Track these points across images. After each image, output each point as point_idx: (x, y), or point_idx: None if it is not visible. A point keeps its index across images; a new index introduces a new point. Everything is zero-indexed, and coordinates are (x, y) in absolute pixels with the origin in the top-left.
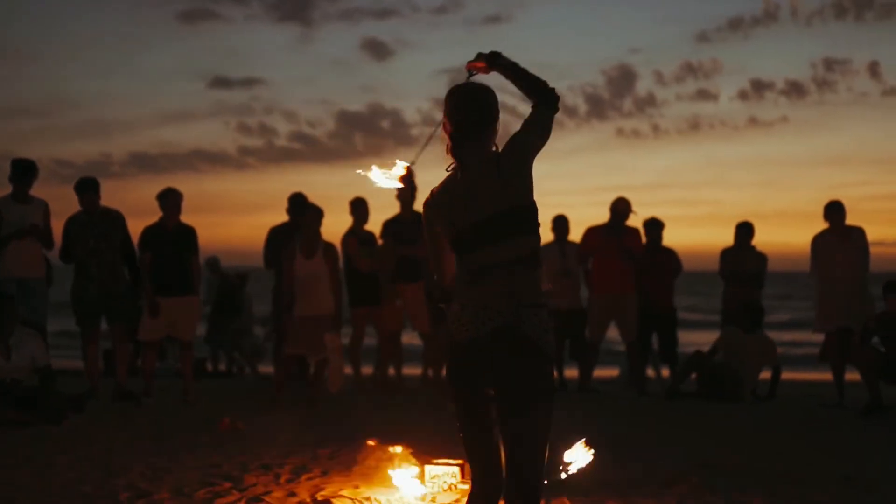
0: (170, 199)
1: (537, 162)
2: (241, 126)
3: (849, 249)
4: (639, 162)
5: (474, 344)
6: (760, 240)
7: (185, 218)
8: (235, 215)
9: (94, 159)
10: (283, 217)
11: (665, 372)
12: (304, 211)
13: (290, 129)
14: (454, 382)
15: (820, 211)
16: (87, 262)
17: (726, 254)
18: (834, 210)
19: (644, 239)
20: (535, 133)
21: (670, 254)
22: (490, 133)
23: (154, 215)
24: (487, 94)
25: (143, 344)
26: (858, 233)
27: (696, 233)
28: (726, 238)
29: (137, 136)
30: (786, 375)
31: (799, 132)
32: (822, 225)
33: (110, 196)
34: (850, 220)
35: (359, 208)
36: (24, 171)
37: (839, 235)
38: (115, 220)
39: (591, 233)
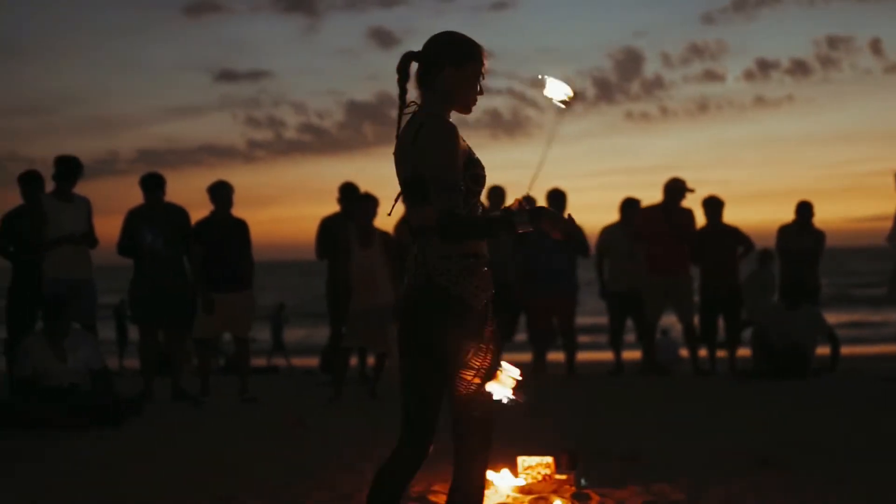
0: (221, 192)
1: (542, 147)
2: (249, 119)
3: None
4: (648, 144)
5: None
6: (767, 218)
7: (195, 213)
8: (247, 209)
9: (101, 156)
10: (292, 209)
11: (721, 352)
12: (355, 200)
13: (299, 120)
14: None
15: (827, 188)
16: (144, 259)
17: (784, 231)
18: None
19: (705, 219)
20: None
21: (733, 232)
22: (428, 86)
23: None
24: (430, 43)
25: (198, 342)
26: None
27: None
28: (733, 217)
29: (144, 131)
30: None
31: (804, 110)
32: (828, 203)
33: (117, 193)
34: (856, 194)
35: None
36: (68, 168)
37: None
38: (177, 217)
39: (644, 213)
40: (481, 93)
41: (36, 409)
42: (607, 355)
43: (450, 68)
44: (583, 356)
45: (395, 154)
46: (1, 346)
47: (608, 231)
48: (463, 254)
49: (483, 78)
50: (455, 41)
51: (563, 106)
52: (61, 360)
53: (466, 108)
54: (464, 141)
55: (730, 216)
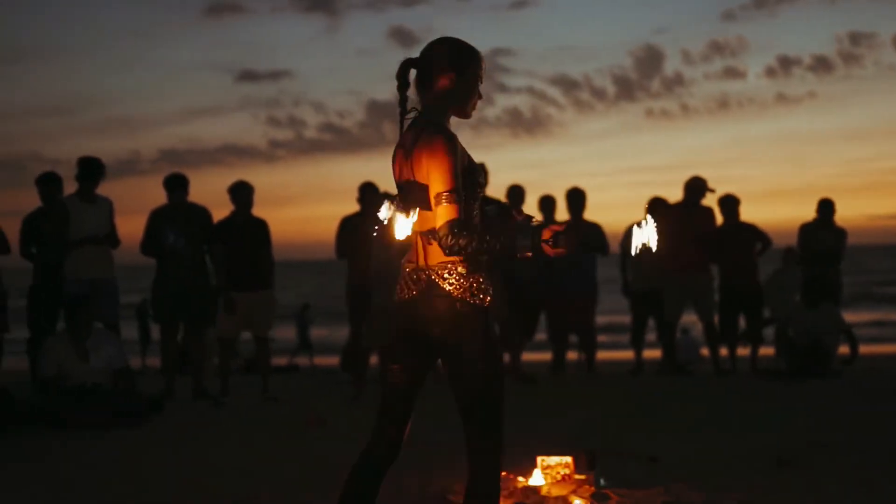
0: (242, 192)
1: (567, 145)
2: (269, 119)
3: None
4: (668, 142)
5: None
6: (788, 216)
7: (216, 213)
8: (268, 208)
9: (123, 156)
10: (312, 208)
11: (742, 350)
12: (375, 199)
13: (320, 120)
14: None
15: (849, 185)
16: (167, 258)
17: (806, 229)
18: None
19: (723, 217)
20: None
21: (751, 229)
22: (427, 92)
23: None
24: (429, 49)
25: (219, 341)
26: None
27: None
28: (753, 215)
29: (166, 131)
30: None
31: (826, 107)
32: (850, 201)
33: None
34: (878, 192)
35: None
36: (90, 169)
37: None
38: (199, 217)
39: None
40: (480, 98)
41: (59, 408)
42: (626, 354)
43: (450, 75)
44: (602, 355)
45: (394, 159)
46: (24, 346)
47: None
48: (461, 259)
49: (482, 83)
50: (454, 47)
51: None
52: (84, 360)
53: (466, 114)
54: (462, 147)
55: (751, 214)
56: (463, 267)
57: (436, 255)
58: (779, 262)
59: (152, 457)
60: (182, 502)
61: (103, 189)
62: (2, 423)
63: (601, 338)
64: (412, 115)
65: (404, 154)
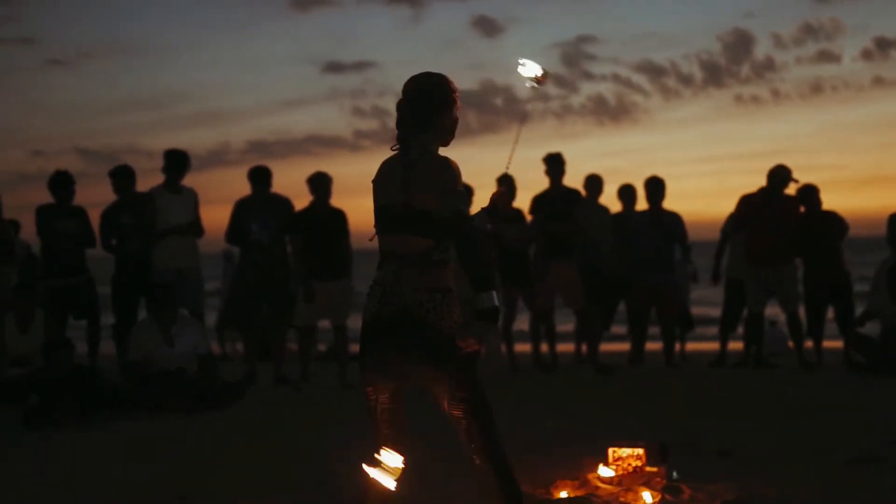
0: (321, 183)
1: (652, 133)
2: (355, 109)
3: None
4: (758, 129)
5: (376, 323)
6: (885, 204)
7: (301, 202)
8: (352, 198)
9: (213, 148)
10: None
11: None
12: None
13: None
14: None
15: None
16: (250, 248)
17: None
18: None
19: (804, 207)
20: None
21: (833, 217)
22: (427, 124)
23: None
24: (422, 87)
25: (299, 330)
26: None
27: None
28: (847, 203)
29: (253, 123)
30: None
31: None
32: None
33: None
34: None
35: (506, 185)
36: (176, 161)
37: None
38: (282, 208)
39: (746, 200)
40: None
41: (145, 392)
42: (712, 346)
43: (445, 111)
44: (687, 347)
45: (379, 184)
46: (109, 332)
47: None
48: (436, 288)
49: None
50: (444, 84)
51: (535, 85)
52: (169, 346)
53: (447, 144)
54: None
55: (845, 202)
56: (437, 290)
57: (411, 278)
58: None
59: (234, 440)
60: (260, 484)
61: (194, 179)
62: (91, 406)
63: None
64: (396, 147)
65: (393, 178)
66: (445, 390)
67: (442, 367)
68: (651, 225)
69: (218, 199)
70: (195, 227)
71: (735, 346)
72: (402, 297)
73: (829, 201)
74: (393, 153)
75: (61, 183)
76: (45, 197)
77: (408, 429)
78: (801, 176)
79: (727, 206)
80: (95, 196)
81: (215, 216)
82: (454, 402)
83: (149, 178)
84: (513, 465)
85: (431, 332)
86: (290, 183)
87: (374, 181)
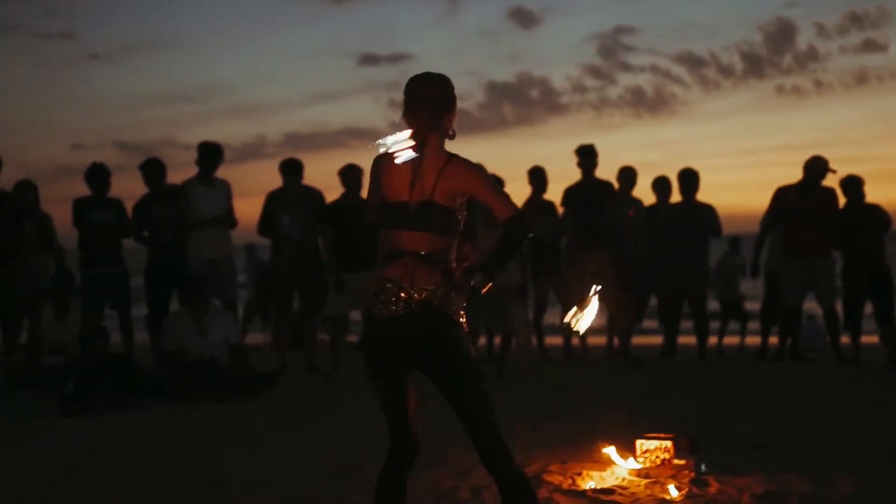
0: (352, 175)
1: (691, 125)
2: (390, 101)
3: None
4: (800, 120)
5: (391, 320)
6: None
7: (335, 195)
8: None
9: (250, 141)
10: None
11: (857, 338)
12: None
13: None
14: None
15: None
16: (281, 240)
17: None
18: None
19: (846, 199)
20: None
21: (876, 210)
22: (438, 123)
23: None
24: (436, 88)
25: (330, 320)
26: None
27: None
28: (894, 196)
29: (290, 116)
30: None
31: None
32: None
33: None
34: None
35: (537, 177)
36: (210, 154)
37: None
38: (313, 200)
39: (783, 192)
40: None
41: (179, 380)
42: (750, 340)
43: (453, 111)
44: (714, 339)
45: (387, 181)
46: (143, 322)
47: None
48: (446, 283)
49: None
50: (451, 85)
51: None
52: (202, 336)
53: (451, 140)
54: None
55: (892, 195)
56: (447, 287)
57: (424, 277)
58: None
59: (265, 428)
60: (290, 472)
61: (230, 172)
62: (126, 394)
63: (713, 323)
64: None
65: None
66: (458, 389)
67: (462, 363)
68: (681, 217)
69: (254, 191)
70: (228, 219)
71: (775, 340)
72: (419, 294)
73: (875, 194)
74: (387, 151)
75: (97, 174)
76: (85, 190)
77: (420, 427)
78: (849, 168)
79: (767, 198)
80: (133, 189)
81: (250, 208)
82: (465, 406)
83: (185, 171)
84: (525, 470)
85: (450, 324)
86: (326, 175)
87: (374, 177)
